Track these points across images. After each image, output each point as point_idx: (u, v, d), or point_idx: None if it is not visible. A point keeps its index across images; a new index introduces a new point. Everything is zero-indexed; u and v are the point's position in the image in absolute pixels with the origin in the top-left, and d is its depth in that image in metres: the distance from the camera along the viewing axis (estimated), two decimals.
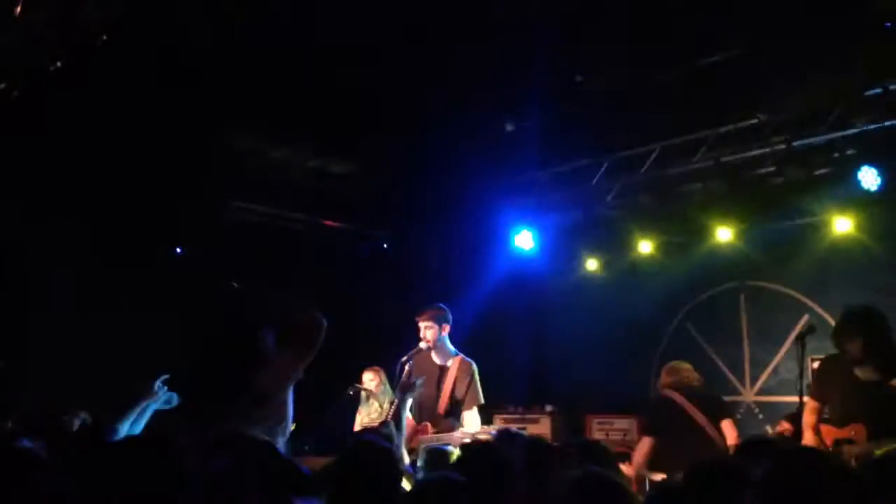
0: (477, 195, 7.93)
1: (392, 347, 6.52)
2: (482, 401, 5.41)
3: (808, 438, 4.82)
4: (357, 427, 6.47)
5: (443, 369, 5.52)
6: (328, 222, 8.61)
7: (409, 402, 5.03)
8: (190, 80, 6.26)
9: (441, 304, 5.61)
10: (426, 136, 7.18)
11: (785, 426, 6.47)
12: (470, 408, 5.32)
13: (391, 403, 5.73)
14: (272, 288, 7.53)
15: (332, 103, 6.83)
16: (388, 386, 6.33)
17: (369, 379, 6.58)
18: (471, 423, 5.22)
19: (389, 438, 4.03)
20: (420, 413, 5.40)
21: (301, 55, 6.32)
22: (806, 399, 4.97)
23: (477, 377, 5.40)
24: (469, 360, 5.50)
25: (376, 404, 6.48)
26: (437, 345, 5.50)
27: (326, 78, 6.57)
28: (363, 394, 6.59)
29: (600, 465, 2.98)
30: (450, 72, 6.38)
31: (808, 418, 4.90)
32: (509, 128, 6.96)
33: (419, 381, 5.04)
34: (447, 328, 5.54)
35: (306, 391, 6.90)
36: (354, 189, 8.32)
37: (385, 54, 6.37)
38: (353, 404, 6.74)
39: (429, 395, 5.40)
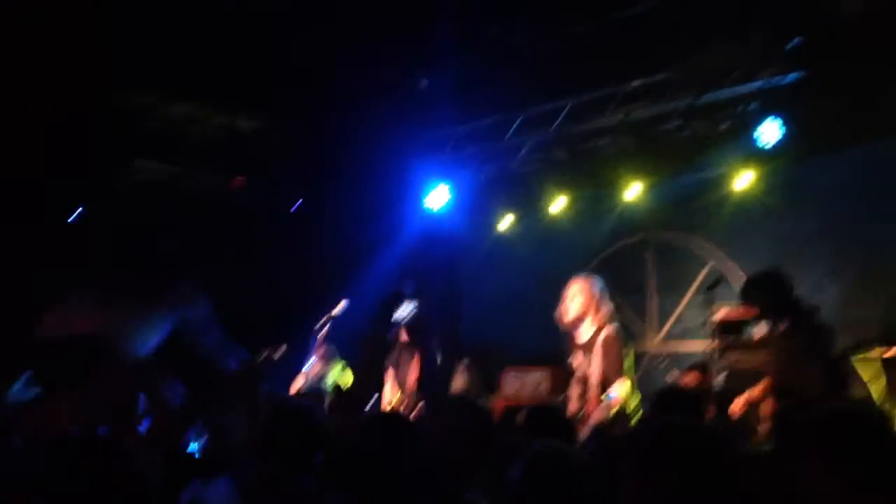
0: (390, 151, 7.84)
1: (306, 312, 6.46)
2: None
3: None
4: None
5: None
6: (236, 180, 8.35)
7: None
8: (81, 32, 5.92)
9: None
10: (337, 92, 7.02)
11: (691, 376, 6.76)
12: None
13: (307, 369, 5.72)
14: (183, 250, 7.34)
15: (238, 57, 6.59)
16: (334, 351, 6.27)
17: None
18: None
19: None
20: None
21: (202, 8, 6.06)
22: None
23: None
24: None
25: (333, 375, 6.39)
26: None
27: (231, 32, 6.33)
28: (320, 381, 6.49)
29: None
30: (360, 26, 6.24)
31: None
32: (422, 84, 6.87)
33: None
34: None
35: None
36: (263, 146, 8.09)
37: (291, 6, 6.17)
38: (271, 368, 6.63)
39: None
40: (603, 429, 4.79)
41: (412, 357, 5.86)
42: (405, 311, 5.05)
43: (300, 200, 8.45)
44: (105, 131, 6.92)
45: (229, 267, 7.84)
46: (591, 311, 5.20)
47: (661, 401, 3.91)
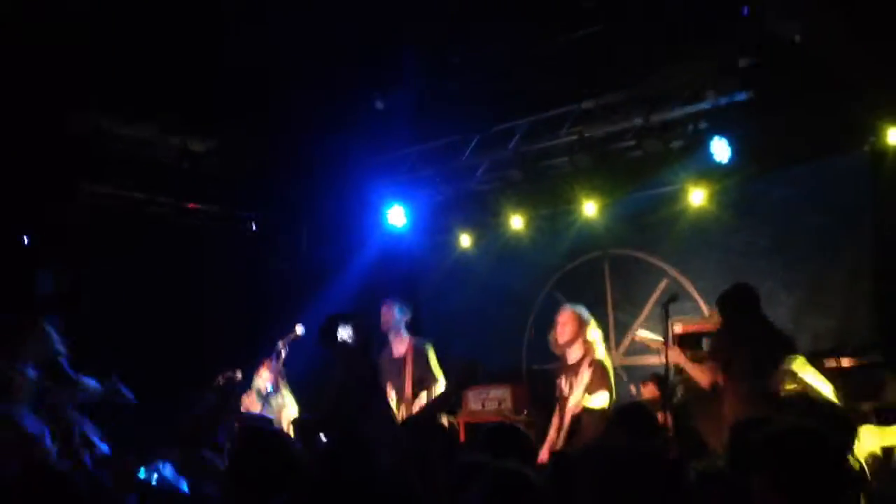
0: (347, 172, 7.82)
1: (267, 332, 6.41)
2: None
3: None
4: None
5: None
6: (191, 205, 8.26)
7: None
8: (31, 55, 5.84)
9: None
10: (293, 113, 7.01)
11: (648, 387, 6.84)
12: None
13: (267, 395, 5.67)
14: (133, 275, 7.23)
15: (190, 78, 6.54)
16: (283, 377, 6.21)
17: (264, 379, 6.39)
18: None
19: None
20: None
21: (153, 28, 6.01)
22: None
23: None
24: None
25: (281, 399, 6.31)
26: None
27: (185, 52, 6.28)
28: (259, 394, 6.40)
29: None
30: (316, 47, 6.24)
31: None
32: (379, 105, 6.89)
33: None
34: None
35: (179, 381, 6.70)
36: (218, 169, 8.01)
37: (246, 27, 6.15)
38: (227, 393, 6.54)
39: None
40: (561, 451, 4.90)
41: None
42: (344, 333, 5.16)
43: (254, 223, 8.38)
44: (56, 155, 6.81)
45: (185, 289, 7.75)
46: (580, 337, 5.65)
47: (620, 417, 3.94)
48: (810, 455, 2.18)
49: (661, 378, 6.70)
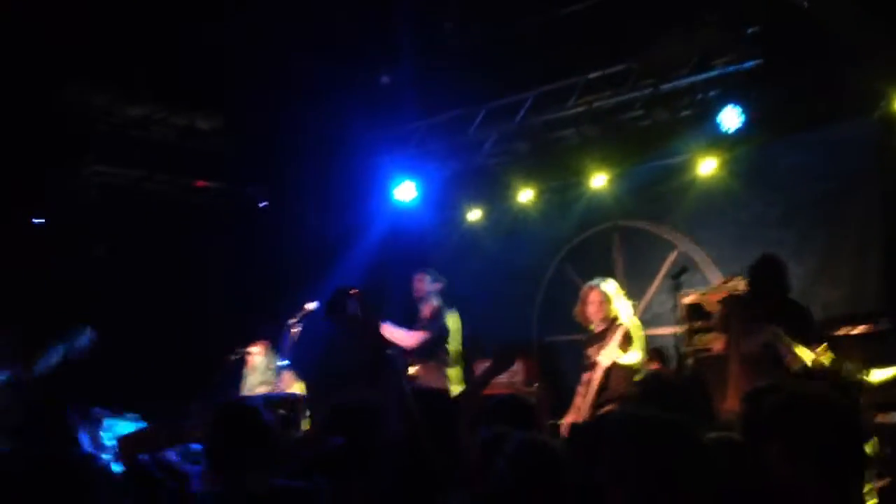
0: (355, 148, 7.80)
1: (277, 309, 6.42)
2: None
3: None
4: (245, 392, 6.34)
5: None
6: (199, 182, 8.26)
7: None
8: (34, 34, 5.82)
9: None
10: (299, 90, 6.98)
11: (652, 363, 6.81)
12: None
13: (278, 373, 5.69)
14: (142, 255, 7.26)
15: (195, 56, 6.52)
16: (274, 358, 6.21)
17: (256, 351, 6.42)
18: None
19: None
20: None
21: (158, 7, 5.98)
22: None
23: None
24: None
25: (260, 377, 6.35)
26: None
27: (189, 31, 6.26)
28: (247, 368, 6.43)
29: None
30: (321, 23, 6.20)
31: None
32: (385, 80, 6.85)
33: None
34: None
35: (190, 357, 6.75)
36: (224, 146, 8.00)
37: (252, 6, 6.12)
38: (239, 370, 6.58)
39: None
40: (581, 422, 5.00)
41: None
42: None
43: (266, 200, 8.38)
44: (58, 134, 6.81)
45: (199, 267, 7.79)
46: (604, 311, 5.82)
47: (647, 388, 3.94)
48: (823, 420, 2.18)
49: (659, 352, 6.75)
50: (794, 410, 2.22)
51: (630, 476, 2.06)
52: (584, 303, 5.92)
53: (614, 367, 5.58)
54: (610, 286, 5.93)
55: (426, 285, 6.64)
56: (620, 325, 5.72)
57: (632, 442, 2.11)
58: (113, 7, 5.90)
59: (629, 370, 5.57)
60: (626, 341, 5.63)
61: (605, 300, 5.82)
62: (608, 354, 5.62)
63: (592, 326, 5.91)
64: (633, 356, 5.62)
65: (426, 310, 6.58)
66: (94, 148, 7.25)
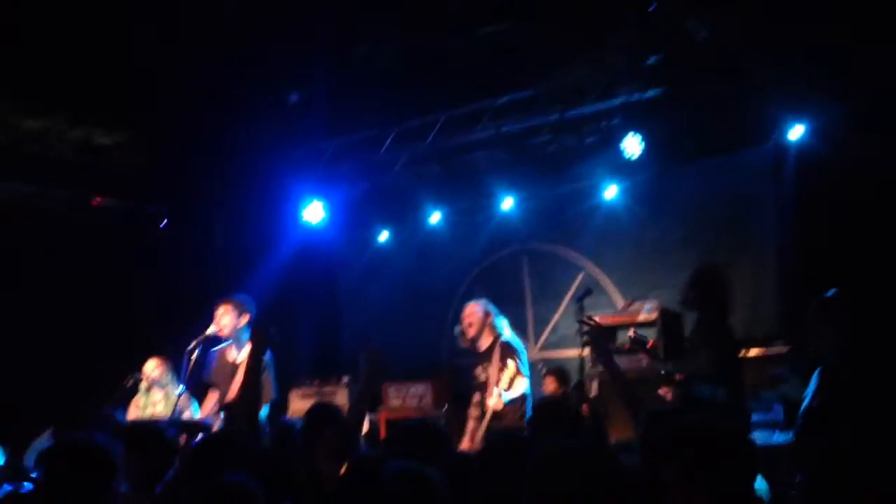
0: (262, 167, 7.65)
1: (178, 331, 6.19)
2: (273, 396, 5.29)
3: None
4: (131, 417, 6.08)
5: (237, 365, 5.34)
6: (97, 199, 7.93)
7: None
8: None
9: (243, 295, 5.54)
10: (206, 106, 6.80)
11: (550, 382, 6.87)
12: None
13: (179, 395, 5.46)
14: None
15: (97, 67, 6.28)
16: (173, 375, 5.99)
17: (153, 367, 6.18)
18: None
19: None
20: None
21: (59, 12, 5.74)
22: None
23: (271, 366, 5.24)
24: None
25: (160, 394, 6.11)
26: (234, 334, 5.34)
27: (91, 39, 6.03)
28: (143, 384, 6.18)
29: None
30: (229, 39, 6.07)
31: None
32: (293, 98, 6.76)
33: None
34: (247, 318, 5.37)
35: (86, 382, 6.44)
36: (125, 162, 7.72)
37: (159, 17, 5.94)
38: (132, 394, 6.33)
39: (224, 392, 5.27)
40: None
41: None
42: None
43: (167, 218, 8.12)
44: None
45: (96, 288, 7.46)
46: (486, 327, 5.82)
47: (540, 414, 3.93)
48: (719, 447, 2.23)
49: (561, 372, 6.83)
50: (693, 436, 2.27)
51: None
52: (463, 323, 5.89)
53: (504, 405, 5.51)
54: (485, 303, 5.94)
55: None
56: (502, 342, 5.74)
57: (557, 473, 2.07)
58: (11, 13, 5.63)
59: (518, 400, 5.57)
60: (508, 359, 5.55)
61: (483, 314, 5.81)
62: (494, 399, 5.51)
63: (478, 347, 5.86)
64: (518, 388, 5.55)
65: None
66: None
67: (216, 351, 5.61)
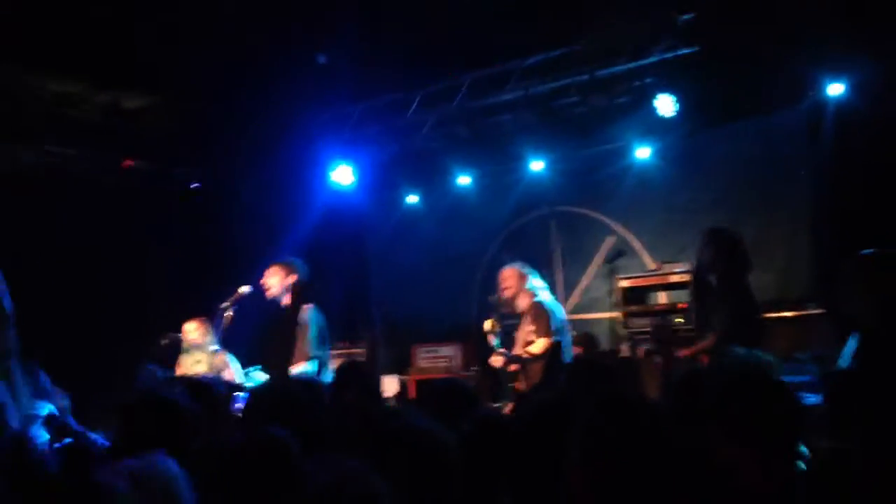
0: (291, 129, 7.64)
1: (211, 292, 6.26)
2: (311, 353, 5.32)
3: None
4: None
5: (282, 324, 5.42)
6: (127, 162, 7.98)
7: None
8: None
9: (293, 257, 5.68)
10: (234, 68, 6.79)
11: (578, 350, 6.87)
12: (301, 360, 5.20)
13: (214, 353, 5.54)
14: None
15: (124, 31, 6.27)
16: (211, 336, 6.05)
17: (192, 329, 6.25)
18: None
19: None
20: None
21: None
22: None
23: (313, 325, 5.31)
24: (309, 308, 5.42)
25: (202, 355, 6.19)
26: (281, 294, 5.42)
27: (117, 5, 6.01)
28: (184, 345, 6.26)
29: None
30: (256, 1, 6.04)
31: None
32: (321, 59, 6.72)
33: None
34: (294, 278, 5.44)
35: (121, 343, 6.54)
36: (153, 126, 7.74)
37: None
38: (172, 354, 6.41)
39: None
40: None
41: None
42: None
43: (197, 181, 8.15)
44: None
45: (127, 250, 7.54)
46: (522, 289, 5.75)
47: (574, 372, 3.92)
48: (768, 400, 2.21)
49: (589, 339, 6.82)
50: (738, 392, 2.24)
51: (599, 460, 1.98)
52: (500, 287, 5.87)
53: (528, 359, 5.55)
54: (521, 266, 5.90)
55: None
56: (534, 303, 5.69)
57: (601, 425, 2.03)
58: None
59: (538, 357, 5.52)
60: (537, 320, 5.57)
61: (518, 277, 5.77)
62: (518, 348, 5.61)
63: (515, 309, 5.84)
64: (536, 348, 5.53)
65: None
66: (15, 126, 6.94)
67: (264, 310, 5.66)
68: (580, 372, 3.73)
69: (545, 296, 5.79)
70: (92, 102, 7.33)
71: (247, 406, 3.09)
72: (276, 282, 5.51)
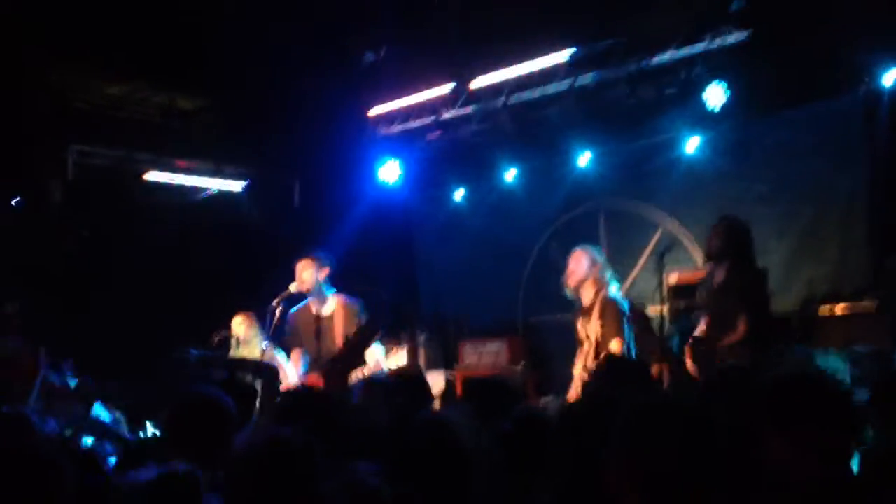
0: (338, 127, 7.72)
1: (260, 290, 6.37)
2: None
3: None
4: None
5: (321, 318, 5.47)
6: (181, 162, 8.16)
7: None
8: (12, 12, 5.71)
9: (322, 251, 5.65)
10: (282, 68, 6.89)
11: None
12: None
13: (263, 350, 5.63)
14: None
15: (177, 34, 6.42)
16: (259, 331, 6.16)
17: (238, 323, 6.37)
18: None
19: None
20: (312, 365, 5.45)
21: None
22: None
23: (363, 315, 5.37)
24: (352, 299, 5.46)
25: (245, 351, 6.30)
26: (314, 289, 5.45)
27: (169, 6, 6.16)
28: (233, 340, 6.38)
29: None
30: (303, 1, 6.12)
31: None
32: (369, 58, 6.77)
33: None
34: (326, 271, 5.48)
35: (172, 339, 6.70)
36: (208, 126, 7.91)
37: None
38: (222, 351, 6.53)
39: (313, 347, 5.38)
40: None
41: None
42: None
43: (247, 180, 8.30)
44: (39, 113, 6.72)
45: (180, 247, 7.72)
46: (590, 278, 5.40)
47: (610, 370, 3.89)
48: (825, 402, 2.16)
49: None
50: (797, 394, 2.19)
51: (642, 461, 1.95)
52: (567, 269, 5.50)
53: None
54: (595, 251, 5.56)
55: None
56: (606, 300, 5.31)
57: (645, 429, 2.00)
58: None
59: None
60: (608, 319, 5.24)
61: (590, 261, 5.40)
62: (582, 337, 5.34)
63: (580, 297, 5.48)
64: (612, 350, 5.22)
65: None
66: (75, 129, 7.16)
67: (296, 310, 5.72)
68: (621, 369, 3.70)
69: (616, 290, 5.46)
70: (149, 103, 7.53)
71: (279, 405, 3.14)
72: (308, 275, 5.54)
